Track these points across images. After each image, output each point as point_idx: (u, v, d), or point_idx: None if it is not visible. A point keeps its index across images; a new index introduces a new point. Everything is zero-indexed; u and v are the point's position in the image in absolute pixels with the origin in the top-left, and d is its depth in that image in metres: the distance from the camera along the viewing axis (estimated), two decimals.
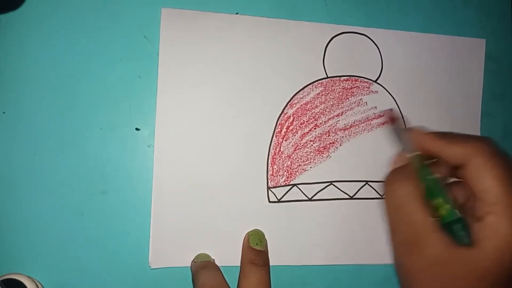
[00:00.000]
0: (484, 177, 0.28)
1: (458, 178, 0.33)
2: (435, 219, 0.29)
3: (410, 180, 0.30)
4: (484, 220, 0.27)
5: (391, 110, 0.39)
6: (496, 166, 0.28)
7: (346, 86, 0.40)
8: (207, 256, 0.36)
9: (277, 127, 0.38)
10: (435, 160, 0.33)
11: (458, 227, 0.29)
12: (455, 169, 0.31)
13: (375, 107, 0.40)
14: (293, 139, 0.38)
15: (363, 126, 0.40)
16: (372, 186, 0.39)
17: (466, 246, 0.27)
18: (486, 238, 0.27)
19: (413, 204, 0.29)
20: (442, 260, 0.28)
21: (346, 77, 0.40)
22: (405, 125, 0.36)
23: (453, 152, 0.30)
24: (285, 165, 0.38)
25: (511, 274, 0.27)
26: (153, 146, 0.36)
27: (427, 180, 0.31)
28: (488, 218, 0.27)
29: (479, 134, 0.42)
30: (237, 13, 0.38)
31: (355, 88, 0.40)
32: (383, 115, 0.39)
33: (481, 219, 0.28)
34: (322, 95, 0.39)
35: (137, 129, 0.36)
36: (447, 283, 0.28)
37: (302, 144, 0.38)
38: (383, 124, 0.40)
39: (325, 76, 0.39)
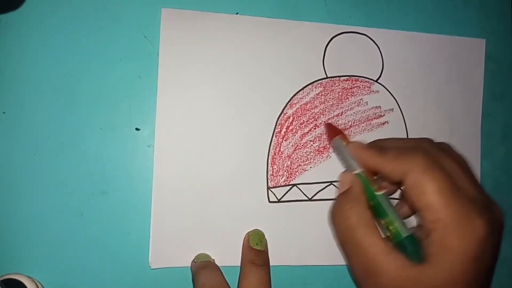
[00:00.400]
0: (420, 194, 0.28)
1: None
2: (387, 240, 0.29)
3: (354, 208, 0.30)
4: (430, 237, 0.27)
5: (330, 124, 0.38)
6: (430, 181, 0.27)
7: (346, 86, 0.40)
8: (207, 256, 0.36)
9: (277, 127, 0.38)
10: (379, 176, 0.32)
11: (407, 245, 0.28)
12: (398, 184, 0.31)
13: (375, 107, 0.40)
14: (293, 139, 0.38)
15: (363, 126, 0.40)
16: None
17: (418, 264, 0.27)
18: (434, 255, 0.27)
19: (360, 232, 0.29)
20: (397, 284, 0.27)
21: (346, 77, 0.40)
22: (346, 139, 0.35)
23: (389, 169, 0.30)
24: (285, 165, 0.38)
25: (467, 285, 0.27)
26: (153, 146, 0.36)
27: (371, 199, 0.30)
28: (433, 235, 0.27)
29: (479, 134, 0.42)
30: (237, 13, 0.38)
31: (355, 88, 0.40)
32: (326, 129, 0.38)
33: (427, 235, 0.28)
34: (322, 95, 0.39)
35: (137, 129, 0.36)
36: None
37: (302, 144, 0.38)
38: (382, 124, 0.40)
39: (325, 76, 0.39)
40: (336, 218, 0.31)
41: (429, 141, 0.32)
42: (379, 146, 0.32)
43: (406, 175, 0.28)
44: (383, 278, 0.28)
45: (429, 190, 0.27)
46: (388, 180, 0.31)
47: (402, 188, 0.33)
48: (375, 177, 0.33)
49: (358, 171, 0.32)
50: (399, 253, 0.28)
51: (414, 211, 0.31)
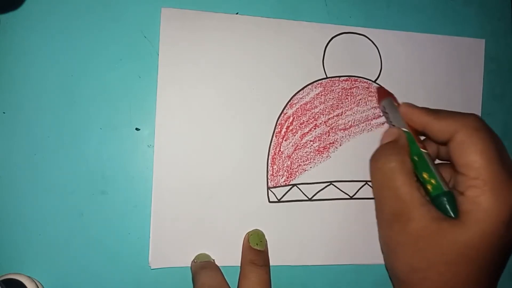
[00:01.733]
0: (466, 152, 0.28)
1: (444, 159, 0.33)
2: (423, 195, 0.29)
3: (398, 155, 0.30)
4: (466, 194, 0.28)
5: (381, 87, 0.39)
6: (478, 141, 0.28)
7: (345, 86, 0.40)
8: (207, 256, 0.36)
9: (277, 127, 0.38)
10: (424, 138, 0.33)
11: (443, 201, 0.29)
12: (442, 144, 0.31)
13: (375, 107, 0.40)
14: (293, 139, 0.38)
15: (362, 126, 0.40)
16: (372, 186, 0.39)
17: (450, 220, 0.28)
18: (467, 212, 0.27)
19: (400, 178, 0.29)
20: (425, 234, 0.28)
21: (345, 77, 0.40)
22: (396, 102, 0.36)
23: (438, 127, 0.30)
24: (285, 165, 0.38)
25: (492, 252, 0.27)
26: (153, 146, 0.36)
27: (415, 155, 0.31)
28: (469, 192, 0.27)
29: None
30: (237, 13, 0.38)
31: (354, 88, 0.40)
32: (377, 92, 0.39)
33: (463, 193, 0.28)
34: (321, 95, 0.39)
35: (137, 129, 0.36)
36: (428, 258, 0.28)
37: (302, 144, 0.38)
38: (382, 124, 0.40)
39: (325, 76, 0.39)
40: (379, 161, 0.31)
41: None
42: (426, 108, 0.33)
43: (455, 133, 0.29)
44: (413, 225, 0.28)
45: (475, 148, 0.28)
46: (434, 140, 0.32)
47: (443, 154, 0.34)
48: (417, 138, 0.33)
49: (405, 129, 0.32)
50: (434, 207, 0.28)
51: (453, 175, 0.31)
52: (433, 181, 0.30)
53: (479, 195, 0.27)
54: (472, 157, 0.28)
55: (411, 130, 0.33)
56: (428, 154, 0.32)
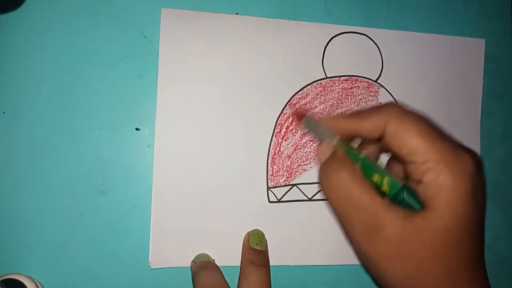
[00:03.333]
0: (404, 139, 0.27)
1: (384, 152, 0.32)
2: (383, 198, 0.28)
3: (345, 166, 0.29)
4: (423, 181, 0.27)
5: (292, 107, 0.38)
6: (411, 125, 0.27)
7: (345, 86, 0.40)
8: (207, 256, 0.36)
9: (276, 127, 0.38)
10: (357, 142, 0.32)
11: (405, 196, 0.28)
12: (378, 141, 0.30)
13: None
14: (292, 139, 0.38)
15: None
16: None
17: (420, 212, 0.27)
18: (433, 198, 0.26)
19: (357, 188, 0.28)
20: (404, 236, 0.27)
21: (345, 77, 0.40)
22: (313, 117, 0.35)
23: (367, 127, 0.29)
24: (285, 165, 0.38)
25: (471, 227, 0.27)
26: (153, 146, 0.36)
27: (356, 161, 0.30)
28: (425, 177, 0.27)
29: (479, 134, 0.42)
30: (237, 13, 0.38)
31: (355, 88, 0.40)
32: (293, 114, 0.38)
33: (420, 181, 0.27)
34: (321, 95, 0.39)
35: (137, 129, 0.36)
36: (416, 258, 0.27)
37: (302, 144, 0.38)
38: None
39: (325, 76, 0.39)
40: (328, 180, 0.30)
41: (393, 102, 0.32)
42: (347, 113, 0.32)
43: (385, 126, 0.28)
44: (388, 231, 0.27)
45: (412, 133, 0.27)
46: (368, 139, 0.31)
47: (381, 150, 0.33)
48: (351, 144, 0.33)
49: (336, 140, 0.32)
50: (398, 206, 0.28)
51: (400, 162, 0.30)
52: (385, 180, 0.29)
53: (437, 176, 0.26)
54: (413, 142, 0.27)
55: (340, 138, 0.32)
56: (369, 156, 0.31)
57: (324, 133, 0.32)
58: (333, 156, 0.31)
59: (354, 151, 0.31)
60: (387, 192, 0.29)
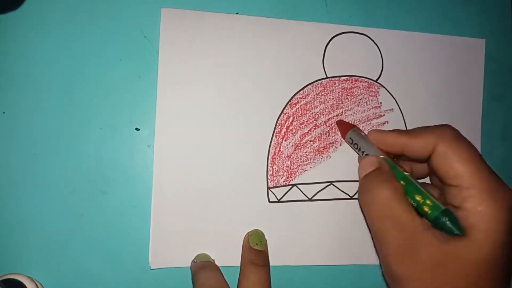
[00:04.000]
0: (452, 162, 0.27)
1: (421, 177, 0.32)
2: (422, 219, 0.28)
3: (389, 182, 0.29)
4: (464, 207, 0.27)
5: (341, 120, 0.39)
6: (461, 149, 0.27)
7: (346, 86, 0.40)
8: (207, 256, 0.36)
9: (277, 127, 0.38)
10: (402, 159, 0.32)
11: (445, 220, 0.27)
12: (422, 162, 0.30)
13: (375, 107, 0.40)
14: (293, 139, 0.38)
15: (363, 126, 0.40)
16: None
17: (459, 238, 0.26)
18: (473, 226, 0.26)
19: (399, 206, 0.28)
20: (440, 259, 0.26)
21: (346, 77, 0.40)
22: (360, 131, 0.35)
23: (416, 145, 0.30)
24: (285, 165, 0.38)
25: (506, 259, 0.26)
26: (153, 146, 0.36)
27: (401, 179, 0.30)
28: (467, 204, 0.27)
29: (479, 134, 0.42)
30: (237, 13, 0.38)
31: (355, 88, 0.40)
32: (338, 126, 0.39)
33: (461, 207, 0.27)
34: (322, 95, 0.39)
35: (137, 129, 0.36)
36: (449, 283, 0.26)
37: (302, 144, 0.38)
38: (383, 124, 0.40)
39: (325, 76, 0.39)
40: (372, 191, 0.30)
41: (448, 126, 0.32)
42: (399, 130, 0.32)
43: (435, 146, 0.28)
44: (424, 253, 0.27)
45: (461, 157, 0.27)
46: (413, 158, 0.31)
47: (426, 171, 0.33)
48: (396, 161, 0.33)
49: (382, 155, 0.32)
50: (437, 229, 0.27)
51: (442, 185, 0.30)
52: (428, 202, 0.28)
53: (479, 204, 0.26)
54: (461, 166, 0.27)
55: (387, 155, 0.32)
56: (412, 176, 0.31)
57: (370, 147, 0.32)
58: (377, 171, 0.31)
59: (398, 168, 0.30)
60: (428, 214, 0.28)
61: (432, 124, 0.40)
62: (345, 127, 0.37)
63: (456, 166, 0.27)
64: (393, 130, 0.32)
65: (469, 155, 0.27)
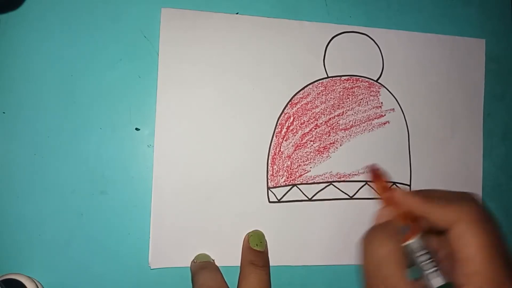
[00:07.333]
0: (466, 245, 0.27)
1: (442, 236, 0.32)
2: (415, 283, 0.28)
3: (390, 243, 0.29)
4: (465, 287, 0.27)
5: (374, 165, 0.38)
6: (478, 234, 0.27)
7: (347, 86, 0.40)
8: (207, 256, 0.36)
9: (277, 127, 0.38)
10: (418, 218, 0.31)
11: None
12: (441, 232, 0.30)
13: (376, 107, 0.40)
14: (293, 139, 0.38)
15: (364, 126, 0.40)
16: (372, 186, 0.39)
17: None
18: None
19: (391, 267, 0.29)
20: None
21: (347, 77, 0.40)
22: (388, 181, 0.35)
23: (436, 217, 0.29)
24: (285, 165, 0.38)
25: None
26: (153, 146, 0.36)
27: (409, 243, 0.30)
28: (469, 285, 0.27)
29: (481, 134, 0.42)
30: (237, 13, 0.38)
31: (356, 88, 0.40)
32: (368, 169, 0.38)
33: (462, 285, 0.27)
34: (322, 95, 0.39)
35: (137, 129, 0.36)
36: None
37: (302, 144, 0.38)
38: (383, 124, 0.40)
39: (326, 76, 0.39)
40: (368, 246, 0.30)
41: (473, 194, 0.32)
42: (425, 192, 0.32)
43: (453, 224, 0.28)
44: None
45: (474, 243, 0.27)
46: (431, 227, 0.31)
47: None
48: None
49: (394, 213, 0.32)
50: None
51: (449, 256, 0.30)
52: (430, 272, 0.29)
53: None
54: (473, 251, 0.27)
55: (405, 214, 0.32)
56: (423, 240, 0.30)
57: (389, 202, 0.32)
58: (385, 225, 0.31)
59: (406, 231, 0.30)
60: (430, 283, 0.29)
61: (434, 125, 0.40)
62: (375, 175, 0.36)
63: (468, 250, 0.27)
64: (417, 194, 0.31)
65: (485, 243, 0.27)
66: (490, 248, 0.27)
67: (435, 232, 0.30)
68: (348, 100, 0.40)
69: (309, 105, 0.39)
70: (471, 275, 0.27)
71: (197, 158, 0.37)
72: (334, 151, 0.39)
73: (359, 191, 0.39)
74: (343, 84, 0.40)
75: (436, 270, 0.29)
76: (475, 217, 0.28)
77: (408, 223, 0.31)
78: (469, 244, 0.27)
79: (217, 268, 0.35)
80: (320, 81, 0.39)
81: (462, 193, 0.31)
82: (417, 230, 0.30)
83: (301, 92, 0.39)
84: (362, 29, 0.40)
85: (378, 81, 0.40)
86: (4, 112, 0.34)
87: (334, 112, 0.39)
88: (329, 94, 0.39)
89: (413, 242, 0.30)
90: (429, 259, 0.29)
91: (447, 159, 0.41)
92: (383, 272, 0.29)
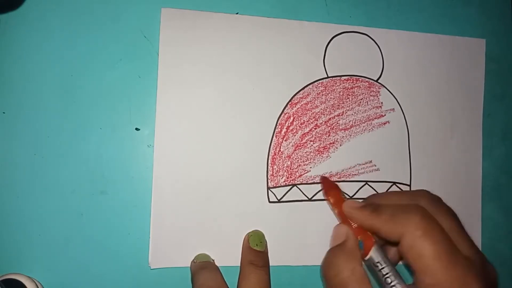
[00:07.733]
0: (417, 257, 0.27)
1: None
2: None
3: (348, 263, 0.29)
4: None
5: (325, 178, 0.38)
6: (427, 245, 0.27)
7: (347, 86, 0.40)
8: (207, 256, 0.36)
9: (277, 127, 0.38)
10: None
11: None
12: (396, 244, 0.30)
13: (376, 107, 0.40)
14: (293, 139, 0.38)
15: (364, 126, 0.40)
16: (372, 186, 0.39)
17: None
18: None
19: (356, 286, 0.28)
20: None
21: (347, 77, 0.40)
22: (339, 195, 0.34)
23: (386, 231, 0.29)
24: (285, 165, 0.38)
25: None
26: (153, 146, 0.36)
27: (368, 258, 0.30)
28: None
29: (481, 134, 0.42)
30: (237, 13, 0.38)
31: (356, 88, 0.40)
32: (322, 181, 0.38)
33: None
34: (322, 95, 0.39)
35: (137, 129, 0.36)
36: None
37: (302, 144, 0.38)
38: (383, 124, 0.40)
39: (326, 76, 0.39)
40: (329, 271, 0.30)
41: (424, 194, 0.31)
42: (373, 204, 0.31)
43: (402, 237, 0.27)
44: None
45: (426, 254, 0.26)
46: (384, 240, 0.30)
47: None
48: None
49: (348, 229, 0.31)
50: None
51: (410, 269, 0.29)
52: (392, 285, 0.28)
53: None
54: (425, 263, 0.26)
55: (359, 228, 0.31)
56: (380, 250, 0.30)
57: (343, 217, 0.32)
58: (344, 244, 0.31)
59: (362, 245, 0.30)
60: None
61: (434, 125, 0.40)
62: (327, 188, 0.35)
63: (421, 262, 0.27)
64: (366, 207, 0.31)
65: (436, 252, 0.26)
66: (443, 255, 0.27)
67: (392, 243, 0.30)
68: (348, 100, 0.40)
69: (309, 105, 0.39)
70: (430, 285, 0.26)
71: (197, 158, 0.37)
72: (334, 151, 0.39)
73: (359, 191, 0.39)
74: (343, 84, 0.40)
75: (397, 283, 0.28)
76: (421, 227, 0.27)
77: (362, 237, 0.30)
78: (422, 255, 0.27)
79: (217, 268, 0.35)
80: (320, 81, 0.39)
81: (408, 205, 0.30)
82: (371, 244, 0.30)
83: (301, 92, 0.39)
84: (362, 29, 0.40)
85: (378, 81, 0.40)
86: (4, 112, 0.34)
87: (334, 112, 0.39)
88: (329, 94, 0.39)
89: (370, 257, 0.29)
90: (390, 271, 0.29)
91: (447, 159, 0.41)
92: None
